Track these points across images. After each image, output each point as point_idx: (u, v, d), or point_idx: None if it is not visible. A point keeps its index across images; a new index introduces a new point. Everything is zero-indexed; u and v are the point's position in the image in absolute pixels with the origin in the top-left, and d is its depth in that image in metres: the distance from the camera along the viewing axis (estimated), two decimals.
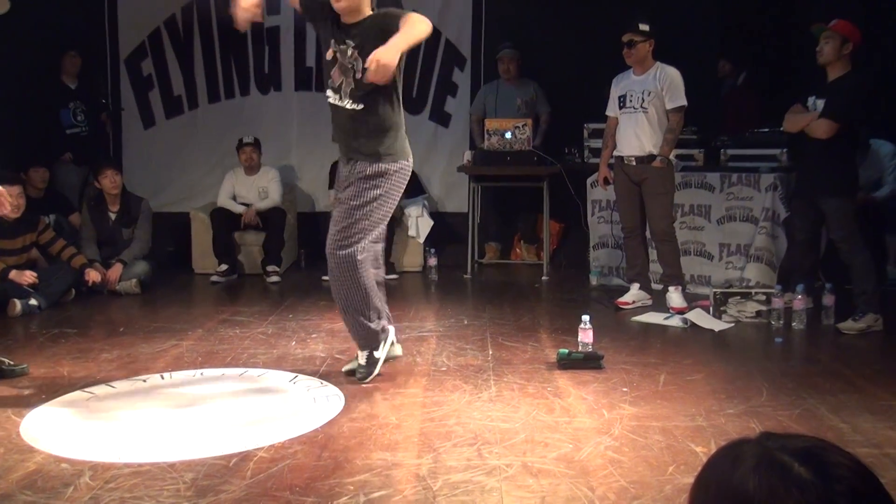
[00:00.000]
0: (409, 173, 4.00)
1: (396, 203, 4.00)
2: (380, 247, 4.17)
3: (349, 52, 3.79)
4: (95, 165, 6.83)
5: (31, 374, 4.13)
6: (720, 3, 7.66)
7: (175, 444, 3.21)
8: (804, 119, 5.08)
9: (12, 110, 7.16)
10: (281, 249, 7.11)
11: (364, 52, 3.67)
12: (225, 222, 7.11)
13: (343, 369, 4.15)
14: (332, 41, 3.84)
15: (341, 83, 3.83)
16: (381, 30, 3.67)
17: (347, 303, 3.91)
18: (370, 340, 4.02)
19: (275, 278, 6.88)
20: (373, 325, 3.98)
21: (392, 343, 4.18)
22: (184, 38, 8.12)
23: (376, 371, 4.01)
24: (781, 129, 5.41)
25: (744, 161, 6.39)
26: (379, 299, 4.03)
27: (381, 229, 4.00)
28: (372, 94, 3.77)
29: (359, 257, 3.81)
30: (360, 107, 3.81)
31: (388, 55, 3.44)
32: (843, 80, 5.02)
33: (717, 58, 7.62)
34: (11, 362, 4.14)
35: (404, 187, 4.00)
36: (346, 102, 3.83)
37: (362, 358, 4.02)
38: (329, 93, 3.90)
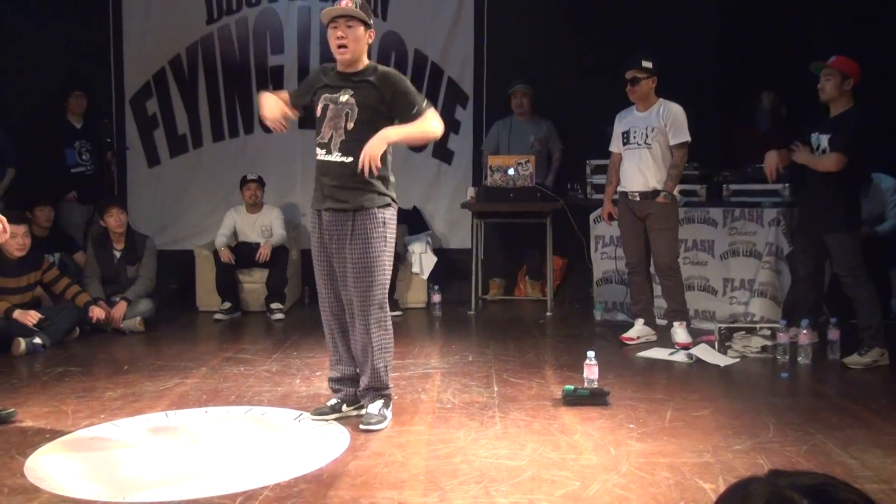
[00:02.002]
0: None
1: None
2: None
3: (344, 98, 3.80)
4: (101, 204, 6.86)
5: (34, 414, 4.12)
6: (721, 42, 7.73)
7: (180, 484, 3.20)
8: (810, 157, 5.09)
9: (18, 149, 7.21)
10: (284, 286, 7.12)
11: (359, 100, 3.75)
12: (235, 259, 7.12)
13: (313, 415, 4.04)
14: (324, 95, 3.86)
15: (331, 137, 3.81)
16: (380, 91, 3.77)
17: (385, 351, 3.91)
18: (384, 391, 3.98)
19: (279, 315, 6.88)
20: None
21: None
22: (188, 78, 8.20)
23: (385, 424, 3.90)
24: (762, 165, 5.42)
25: (746, 196, 6.41)
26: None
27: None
28: (362, 142, 3.72)
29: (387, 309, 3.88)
30: (349, 159, 3.77)
31: (375, 149, 3.63)
32: (847, 115, 5.06)
33: (760, 91, 7.55)
34: None
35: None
36: (335, 156, 3.80)
37: (374, 408, 3.89)
38: (318, 151, 3.86)
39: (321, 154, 3.85)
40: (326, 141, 3.82)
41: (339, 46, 3.78)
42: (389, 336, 3.92)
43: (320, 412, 4.04)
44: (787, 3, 7.52)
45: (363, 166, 3.64)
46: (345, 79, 3.85)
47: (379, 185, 3.83)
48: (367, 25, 3.81)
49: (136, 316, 6.34)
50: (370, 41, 3.89)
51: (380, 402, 3.91)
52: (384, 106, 3.80)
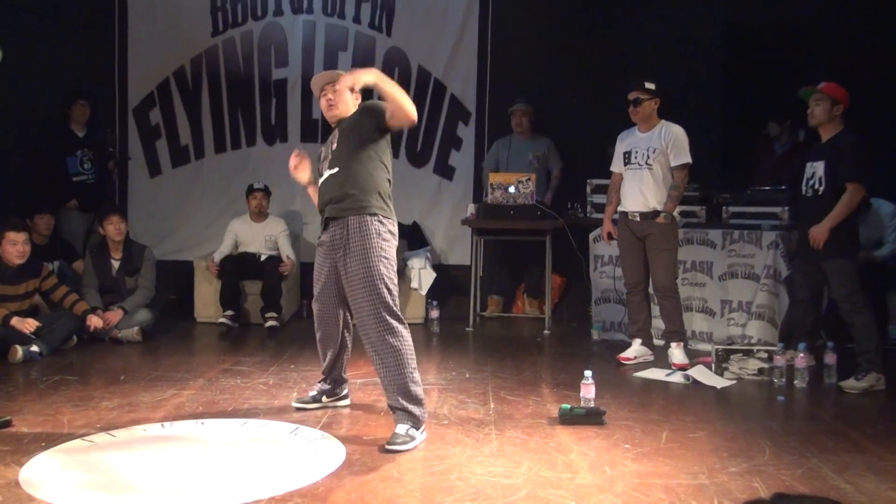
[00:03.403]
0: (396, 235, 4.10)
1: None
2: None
3: (334, 145, 4.09)
4: (101, 212, 6.87)
5: (30, 422, 4.12)
6: (724, 65, 7.77)
7: (174, 495, 3.19)
8: (831, 219, 5.09)
9: (20, 156, 7.23)
10: (279, 297, 7.12)
11: (344, 138, 4.04)
12: (234, 270, 7.12)
13: (296, 403, 4.47)
14: (323, 151, 4.22)
15: (326, 164, 4.12)
16: (359, 117, 4.06)
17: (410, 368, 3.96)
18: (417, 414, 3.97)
19: (272, 323, 6.87)
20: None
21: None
22: (192, 89, 8.24)
23: (413, 444, 3.85)
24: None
25: (745, 218, 6.44)
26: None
27: None
28: (351, 155, 3.99)
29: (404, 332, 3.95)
30: (336, 170, 4.02)
31: (360, 71, 3.87)
32: (838, 139, 5.11)
33: (766, 118, 7.59)
34: None
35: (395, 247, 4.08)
36: (329, 172, 4.05)
37: (401, 428, 3.86)
38: (319, 180, 4.18)
39: (320, 178, 4.17)
40: (321, 171, 4.19)
41: (329, 107, 4.19)
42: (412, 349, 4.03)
43: (301, 401, 4.48)
44: (790, 28, 7.57)
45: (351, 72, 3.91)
46: (336, 128, 4.20)
47: (375, 195, 4.00)
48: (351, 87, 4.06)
49: (133, 326, 6.34)
50: (357, 98, 4.22)
51: (407, 424, 3.87)
52: (361, 123, 4.05)
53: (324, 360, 4.41)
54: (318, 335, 4.35)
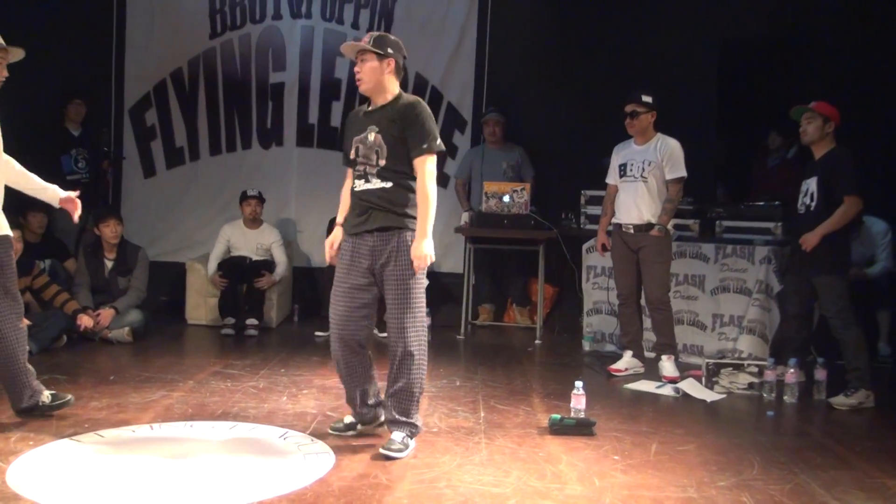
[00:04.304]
0: None
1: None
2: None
3: (371, 138, 3.83)
4: (98, 213, 6.85)
5: (18, 420, 4.11)
6: (720, 79, 7.80)
7: (162, 498, 3.18)
8: (824, 228, 5.11)
9: (13, 153, 7.18)
10: (261, 303, 7.09)
11: (386, 138, 3.79)
12: (234, 275, 7.09)
13: (331, 428, 4.12)
14: (354, 139, 3.90)
15: (365, 169, 3.86)
16: (399, 123, 3.80)
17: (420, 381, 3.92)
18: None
19: (252, 331, 6.84)
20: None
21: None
22: (189, 91, 8.24)
23: (408, 452, 3.83)
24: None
25: (738, 233, 6.45)
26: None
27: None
28: (397, 172, 3.82)
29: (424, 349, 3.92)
30: (389, 185, 3.82)
31: (422, 253, 3.74)
32: (830, 155, 5.15)
33: (768, 130, 7.62)
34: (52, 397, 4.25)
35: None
36: (373, 183, 3.83)
37: (398, 435, 3.83)
38: (356, 182, 3.90)
39: (359, 185, 3.88)
40: (363, 173, 3.87)
41: (357, 80, 3.88)
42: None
43: (336, 428, 4.11)
44: (784, 43, 7.61)
45: (416, 266, 3.77)
46: (369, 116, 3.91)
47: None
48: (380, 56, 3.82)
49: (124, 326, 6.33)
50: (390, 71, 3.84)
51: (404, 432, 3.85)
52: (403, 136, 3.82)
53: (350, 393, 4.05)
54: (341, 371, 3.99)
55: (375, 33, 3.91)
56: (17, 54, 4.34)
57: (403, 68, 3.94)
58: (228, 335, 6.80)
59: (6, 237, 4.22)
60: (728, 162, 7.98)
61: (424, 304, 3.90)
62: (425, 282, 3.91)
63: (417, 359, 3.86)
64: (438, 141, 3.85)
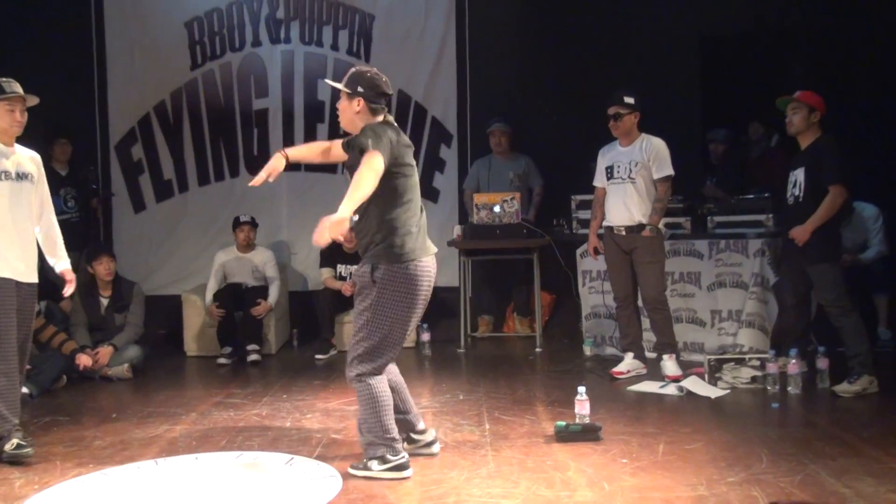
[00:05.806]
0: (412, 276, 3.70)
1: (401, 312, 3.72)
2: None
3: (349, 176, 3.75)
4: (89, 252, 6.84)
5: (22, 465, 4.07)
6: (702, 76, 7.83)
7: None
8: (813, 221, 5.11)
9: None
10: (260, 329, 7.08)
11: (353, 171, 3.66)
12: (229, 304, 7.08)
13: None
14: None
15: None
16: (356, 150, 3.71)
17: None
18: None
19: (254, 357, 6.84)
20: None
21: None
22: (173, 123, 8.25)
23: (367, 474, 3.75)
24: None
25: (730, 227, 6.45)
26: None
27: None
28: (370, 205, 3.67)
29: (368, 380, 3.70)
30: (356, 217, 3.71)
31: (334, 229, 3.39)
32: (817, 144, 5.17)
33: (749, 121, 7.63)
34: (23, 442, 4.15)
35: (405, 292, 3.70)
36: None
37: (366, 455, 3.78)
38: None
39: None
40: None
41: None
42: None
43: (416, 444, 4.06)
44: (765, 37, 7.65)
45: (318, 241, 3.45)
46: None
47: (382, 241, 3.71)
48: (349, 95, 3.77)
49: (123, 363, 6.30)
50: (360, 110, 3.77)
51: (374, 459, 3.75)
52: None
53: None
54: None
55: (353, 69, 3.85)
56: (32, 101, 4.58)
57: (384, 94, 3.83)
58: (224, 364, 6.79)
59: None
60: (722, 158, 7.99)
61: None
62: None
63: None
64: (384, 141, 3.62)
